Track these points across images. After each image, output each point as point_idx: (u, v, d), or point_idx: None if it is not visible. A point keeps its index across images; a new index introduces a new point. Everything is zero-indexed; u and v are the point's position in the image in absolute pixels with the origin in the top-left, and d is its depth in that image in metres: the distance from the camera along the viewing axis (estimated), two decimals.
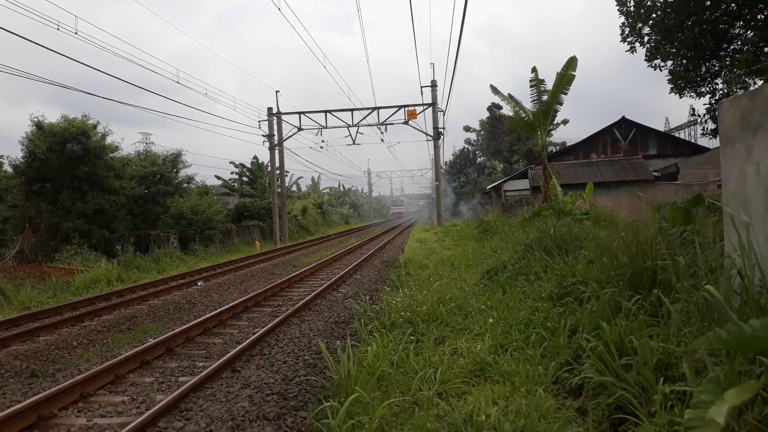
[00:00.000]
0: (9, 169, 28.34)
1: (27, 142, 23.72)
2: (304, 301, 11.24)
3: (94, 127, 24.83)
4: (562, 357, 4.94)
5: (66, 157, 23.24)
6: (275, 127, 36.10)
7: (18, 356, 8.47)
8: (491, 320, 6.67)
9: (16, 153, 25.72)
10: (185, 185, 32.54)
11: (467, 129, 60.79)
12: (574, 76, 18.58)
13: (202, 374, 6.36)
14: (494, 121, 53.99)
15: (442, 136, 36.27)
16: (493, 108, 53.83)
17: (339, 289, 13.31)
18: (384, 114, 34.89)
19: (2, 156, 34.19)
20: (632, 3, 16.08)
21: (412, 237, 29.99)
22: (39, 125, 23.79)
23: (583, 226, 10.79)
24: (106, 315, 11.63)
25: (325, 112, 35.06)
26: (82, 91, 35.39)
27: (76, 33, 17.22)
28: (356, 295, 11.76)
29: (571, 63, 18.44)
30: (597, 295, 5.32)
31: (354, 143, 36.68)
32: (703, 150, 31.22)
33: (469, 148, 60.17)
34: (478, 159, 58.76)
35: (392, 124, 35.11)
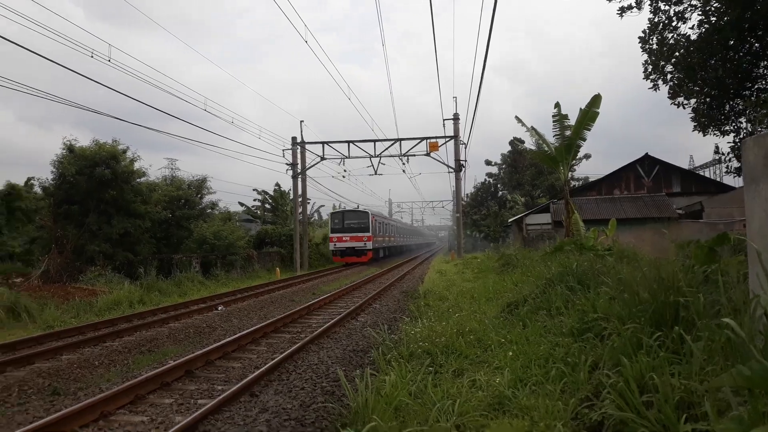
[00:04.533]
0: (39, 191, 29.09)
1: (57, 164, 24.30)
2: (323, 328, 11.28)
3: (124, 152, 25.38)
4: (582, 393, 4.89)
5: (95, 180, 23.75)
6: (299, 156, 36.57)
7: (41, 374, 8.58)
8: (511, 354, 6.64)
9: (45, 175, 26.49)
10: (209, 211, 32.94)
11: (488, 163, 60.86)
12: (597, 113, 18.63)
13: (221, 397, 6.42)
14: (516, 155, 54.01)
15: (463, 169, 36.40)
16: (516, 142, 53.95)
17: (358, 318, 13.32)
18: (406, 145, 35.16)
19: (33, 178, 35.19)
20: (655, 41, 16.17)
21: (432, 268, 29.91)
22: (70, 148, 24.40)
23: (605, 261, 10.70)
24: (127, 336, 11.76)
25: (348, 142, 35.48)
26: (113, 117, 36.19)
27: (109, 60, 17.74)
28: (375, 324, 11.76)
29: (596, 100, 18.50)
30: (618, 332, 5.29)
31: (376, 173, 37.00)
32: (729, 189, 30.87)
33: (491, 181, 60.15)
34: (500, 192, 58.66)
35: (414, 155, 35.38)
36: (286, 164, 36.20)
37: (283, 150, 36.11)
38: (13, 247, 31.75)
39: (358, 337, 10.67)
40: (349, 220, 39.49)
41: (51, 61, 14.73)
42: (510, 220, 42.00)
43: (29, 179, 35.82)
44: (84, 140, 35.70)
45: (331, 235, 39.33)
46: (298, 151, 36.59)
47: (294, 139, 36.51)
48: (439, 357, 7.18)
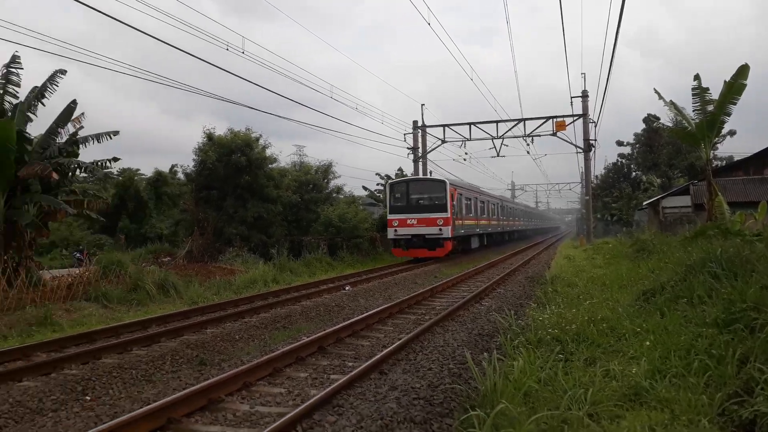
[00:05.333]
0: (182, 177, 31.76)
1: (198, 152, 26.28)
2: (447, 311, 11.35)
3: (257, 139, 26.94)
4: (730, 387, 4.58)
5: (231, 166, 25.44)
6: (420, 139, 36.76)
7: (189, 345, 9.36)
8: (648, 344, 6.32)
9: (186, 162, 29.06)
10: (334, 195, 34.10)
11: (620, 143, 57.68)
12: (744, 85, 17.01)
13: (352, 373, 6.69)
14: (651, 133, 50.69)
15: (593, 149, 34.83)
16: (650, 119, 50.61)
17: (482, 302, 13.26)
18: (530, 125, 34.29)
19: (176, 165, 38.46)
20: None
21: (560, 253, 29.02)
22: (210, 136, 26.30)
23: (754, 248, 9.83)
24: (263, 313, 12.49)
25: (470, 124, 35.16)
26: (246, 106, 38.39)
27: (242, 52, 18.70)
28: (500, 308, 11.65)
29: (742, 71, 16.89)
30: None
31: (498, 155, 36.38)
32: None
33: (623, 161, 56.97)
34: (633, 173, 55.40)
35: (539, 135, 34.40)
36: (407, 148, 36.57)
37: (404, 134, 36.53)
38: (161, 229, 34.96)
39: (483, 322, 10.63)
40: (417, 193, 27.18)
41: (192, 55, 15.87)
42: (645, 203, 39.67)
43: (173, 166, 39.30)
44: (219, 129, 38.20)
45: (389, 216, 26.96)
46: (419, 134, 36.79)
47: (415, 123, 36.76)
48: (570, 345, 6.99)
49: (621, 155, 57.67)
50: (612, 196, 53.29)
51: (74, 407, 6.42)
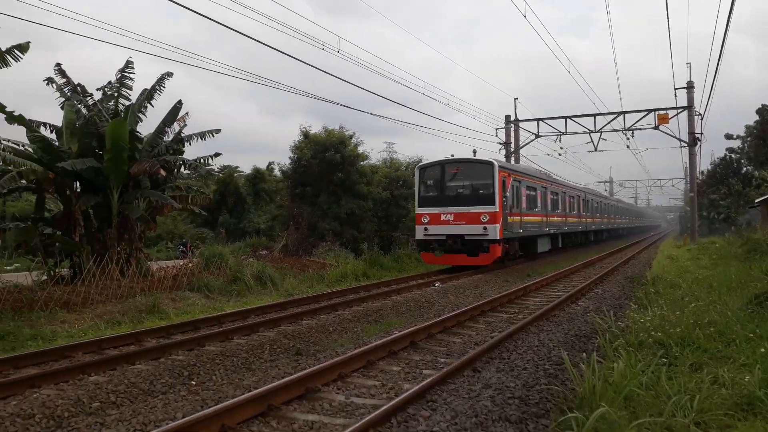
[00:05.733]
0: (278, 174, 32.99)
1: (295, 149, 27.18)
2: (541, 310, 11.10)
3: (350, 137, 27.53)
4: None
5: (325, 164, 26.14)
6: (512, 134, 36.06)
7: (286, 335, 9.68)
8: (762, 350, 5.91)
9: (282, 159, 30.26)
10: None
11: (729, 137, 54.04)
12: None
13: (445, 370, 6.68)
14: (765, 125, 47.13)
15: (698, 143, 32.80)
16: (765, 109, 47.06)
17: (578, 302, 12.85)
18: (630, 119, 32.72)
19: (273, 162, 39.99)
20: None
21: (661, 253, 27.65)
22: (306, 134, 27.17)
23: None
24: (355, 306, 12.70)
25: (565, 117, 34.10)
26: (340, 104, 39.35)
27: (338, 51, 19.04)
28: (598, 309, 11.25)
29: None
30: None
31: (596, 150, 35.07)
32: None
33: (732, 156, 53.36)
34: (743, 168, 51.75)
35: (639, 129, 32.81)
36: (499, 143, 35.90)
37: (496, 129, 35.86)
38: (259, 224, 36.48)
39: (579, 322, 10.30)
40: (454, 180, 20.66)
41: (288, 55, 16.32)
42: (757, 201, 36.93)
43: (270, 164, 40.94)
44: (314, 127, 39.46)
45: (418, 210, 20.99)
46: (512, 129, 36.11)
47: (507, 117, 36.09)
48: (674, 349, 6.66)
49: (730, 149, 54.12)
50: (720, 192, 50.00)
51: (181, 391, 6.82)
